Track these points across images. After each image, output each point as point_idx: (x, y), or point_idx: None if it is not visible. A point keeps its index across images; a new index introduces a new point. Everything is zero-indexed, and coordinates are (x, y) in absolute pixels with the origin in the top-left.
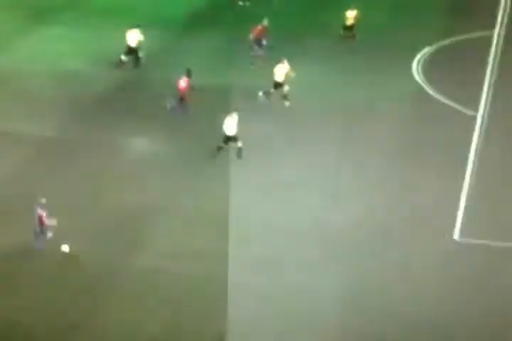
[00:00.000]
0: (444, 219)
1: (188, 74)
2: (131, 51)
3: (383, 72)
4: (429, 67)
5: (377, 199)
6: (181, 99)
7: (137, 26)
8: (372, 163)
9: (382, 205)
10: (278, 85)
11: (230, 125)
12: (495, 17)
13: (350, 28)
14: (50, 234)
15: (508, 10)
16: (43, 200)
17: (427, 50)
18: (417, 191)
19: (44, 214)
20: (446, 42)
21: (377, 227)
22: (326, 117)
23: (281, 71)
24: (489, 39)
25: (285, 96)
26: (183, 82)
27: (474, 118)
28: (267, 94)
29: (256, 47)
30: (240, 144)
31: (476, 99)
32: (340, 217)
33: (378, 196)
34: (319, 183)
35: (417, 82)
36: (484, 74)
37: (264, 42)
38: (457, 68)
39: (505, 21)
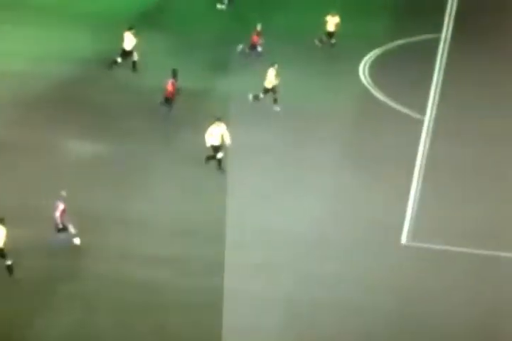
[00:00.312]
0: (391, 223)
1: (174, 75)
2: (126, 54)
3: (330, 75)
4: (376, 70)
5: (321, 204)
6: (167, 100)
7: (130, 29)
8: (317, 167)
9: (327, 210)
10: (268, 90)
11: (215, 134)
12: (441, 19)
13: (331, 34)
14: (72, 230)
15: (453, 12)
16: (64, 193)
17: (373, 53)
18: (364, 195)
19: (62, 207)
20: (392, 44)
21: (323, 233)
22: (282, 121)
23: (271, 76)
24: (436, 41)
25: (275, 101)
26: (169, 84)
27: (421, 121)
28: (255, 97)
29: (250, 52)
30: (221, 155)
31: (423, 102)
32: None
33: (324, 200)
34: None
35: (363, 85)
36: (431, 76)
37: (259, 49)
38: (404, 71)
39: (451, 24)
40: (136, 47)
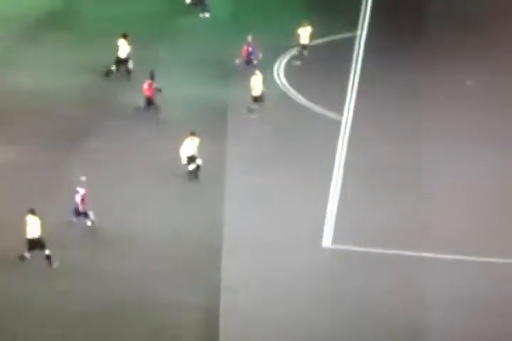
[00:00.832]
0: (311, 227)
1: (152, 77)
2: (121, 62)
3: (245, 76)
4: (291, 71)
5: (238, 206)
6: (148, 102)
7: (124, 36)
8: (234, 170)
9: (245, 213)
10: (257, 99)
11: (190, 147)
12: (357, 19)
13: (305, 47)
14: (92, 217)
15: (368, 12)
16: (83, 178)
17: (290, 53)
18: (283, 197)
19: (83, 192)
20: (308, 44)
21: (244, 235)
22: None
23: (258, 83)
24: (351, 41)
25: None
26: (146, 85)
27: (338, 122)
28: (249, 109)
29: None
30: (192, 167)
31: (339, 102)
32: None
33: (242, 202)
34: None
35: (278, 86)
36: (348, 77)
37: (255, 61)
38: (320, 71)
39: (366, 23)
40: (130, 54)
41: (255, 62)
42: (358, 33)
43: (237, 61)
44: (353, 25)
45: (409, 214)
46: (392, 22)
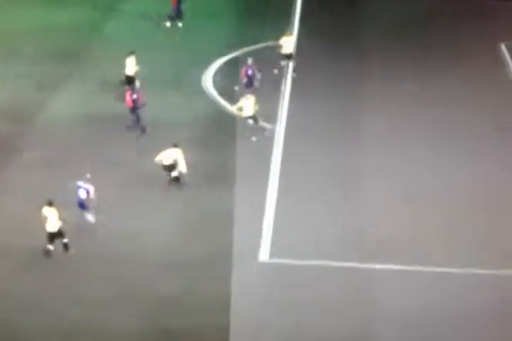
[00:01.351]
0: (248, 241)
1: (128, 85)
2: (130, 80)
3: (174, 88)
4: (220, 80)
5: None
6: (131, 111)
7: (131, 53)
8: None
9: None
10: (251, 118)
11: (169, 157)
12: (286, 26)
13: (289, 56)
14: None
15: (297, 17)
16: (88, 175)
17: (218, 63)
18: (218, 212)
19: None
20: (237, 53)
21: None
22: None
23: (249, 104)
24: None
25: (262, 129)
26: (128, 96)
27: (271, 131)
28: (262, 131)
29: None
30: (175, 174)
31: (272, 111)
32: None
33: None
34: None
35: (207, 97)
36: (279, 81)
37: (256, 83)
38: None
39: (295, 31)
40: (138, 73)
41: (257, 84)
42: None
43: (236, 87)
44: (282, 31)
45: (348, 225)
46: (321, 28)
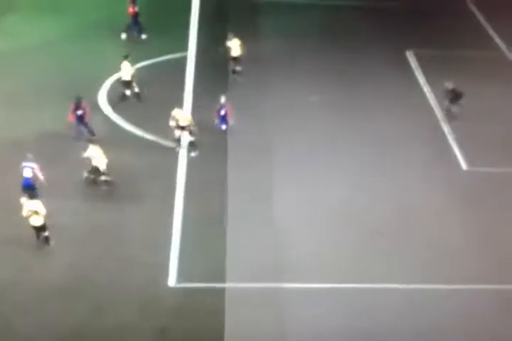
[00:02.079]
0: (156, 267)
1: (78, 101)
2: (127, 85)
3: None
4: (117, 95)
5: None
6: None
7: (126, 57)
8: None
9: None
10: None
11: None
12: (187, 38)
13: (236, 59)
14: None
15: (196, 32)
16: (30, 155)
17: (113, 78)
18: (128, 232)
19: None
20: (135, 67)
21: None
22: None
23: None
24: (184, 61)
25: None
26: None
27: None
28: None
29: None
30: (104, 177)
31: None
32: None
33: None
34: None
35: (103, 114)
36: (181, 97)
37: (231, 122)
38: (150, 93)
39: (195, 43)
40: (135, 76)
41: (231, 122)
42: (189, 52)
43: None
44: (183, 44)
45: (257, 245)
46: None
